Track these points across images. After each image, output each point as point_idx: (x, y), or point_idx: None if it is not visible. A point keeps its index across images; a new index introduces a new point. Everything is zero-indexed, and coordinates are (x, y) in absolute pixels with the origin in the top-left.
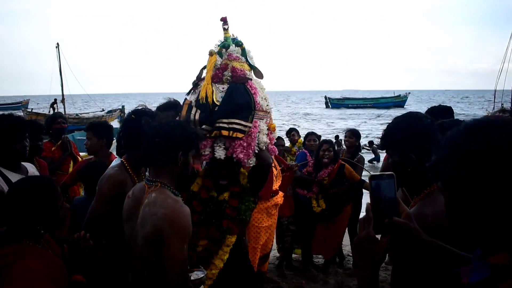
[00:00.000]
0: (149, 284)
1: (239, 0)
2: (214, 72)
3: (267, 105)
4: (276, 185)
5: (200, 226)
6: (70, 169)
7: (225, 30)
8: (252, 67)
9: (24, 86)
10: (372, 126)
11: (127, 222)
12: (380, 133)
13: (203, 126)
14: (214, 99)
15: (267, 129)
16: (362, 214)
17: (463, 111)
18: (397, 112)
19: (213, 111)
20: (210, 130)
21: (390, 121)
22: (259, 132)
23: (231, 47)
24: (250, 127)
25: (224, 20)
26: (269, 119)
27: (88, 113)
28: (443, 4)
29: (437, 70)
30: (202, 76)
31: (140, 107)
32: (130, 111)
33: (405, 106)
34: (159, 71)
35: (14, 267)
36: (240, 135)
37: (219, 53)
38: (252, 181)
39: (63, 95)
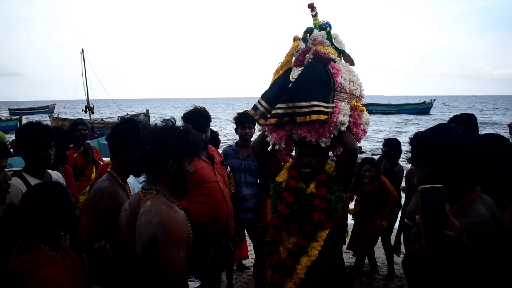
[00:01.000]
0: None
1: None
2: (296, 56)
3: (356, 88)
4: None
5: (292, 220)
6: (93, 175)
7: (314, 16)
8: (340, 51)
9: (51, 91)
10: (391, 132)
11: (128, 234)
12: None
13: (278, 105)
14: (291, 77)
15: (350, 110)
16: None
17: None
18: (422, 119)
19: (287, 90)
20: (284, 112)
21: (415, 128)
22: (339, 112)
23: (315, 31)
24: (333, 107)
25: (311, 7)
26: (355, 101)
27: (113, 117)
28: (466, 9)
29: (461, 76)
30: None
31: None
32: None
33: (430, 113)
34: (182, 76)
35: (34, 274)
36: (323, 117)
37: (304, 39)
38: (339, 169)
39: (88, 100)
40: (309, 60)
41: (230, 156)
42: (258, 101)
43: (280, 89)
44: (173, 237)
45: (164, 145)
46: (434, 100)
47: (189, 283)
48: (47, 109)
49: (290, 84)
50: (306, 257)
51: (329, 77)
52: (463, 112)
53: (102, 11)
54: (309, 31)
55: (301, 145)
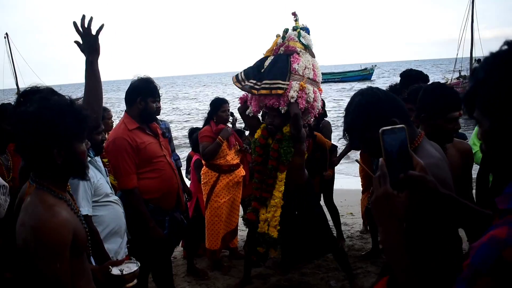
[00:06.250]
0: None
1: None
2: (275, 48)
3: (309, 72)
4: (237, 159)
5: (264, 166)
6: None
7: (296, 21)
8: (306, 46)
9: None
10: (339, 100)
11: None
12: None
13: (250, 80)
14: (265, 64)
15: (299, 89)
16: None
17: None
18: (364, 86)
19: (261, 72)
20: (258, 86)
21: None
22: (291, 89)
23: (289, 31)
24: (287, 84)
25: (294, 14)
26: (305, 82)
27: None
28: None
29: (400, 42)
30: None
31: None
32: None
33: (372, 79)
34: (125, 57)
35: None
36: (280, 91)
37: (283, 37)
38: (290, 128)
39: (18, 87)
40: (281, 51)
41: None
42: (240, 73)
43: (256, 68)
44: (45, 247)
45: (42, 135)
46: (375, 66)
47: (128, 265)
48: None
49: (263, 69)
50: (277, 191)
51: (288, 63)
52: (413, 69)
53: None
54: (286, 31)
55: (269, 111)
